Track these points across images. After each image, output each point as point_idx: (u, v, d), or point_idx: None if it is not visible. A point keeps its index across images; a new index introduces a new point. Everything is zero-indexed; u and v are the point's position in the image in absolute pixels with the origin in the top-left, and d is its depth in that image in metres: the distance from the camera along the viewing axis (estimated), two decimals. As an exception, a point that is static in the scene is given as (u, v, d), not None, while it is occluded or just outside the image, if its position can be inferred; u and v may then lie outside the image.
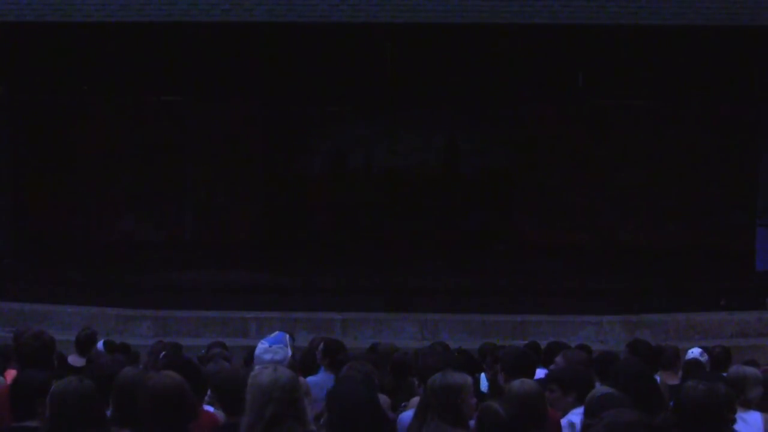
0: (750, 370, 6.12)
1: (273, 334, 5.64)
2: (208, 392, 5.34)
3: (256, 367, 4.35)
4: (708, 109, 17.50)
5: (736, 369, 6.27)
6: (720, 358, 8.35)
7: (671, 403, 5.07)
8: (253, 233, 18.40)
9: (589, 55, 14.85)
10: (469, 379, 4.43)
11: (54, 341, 6.01)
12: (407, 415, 5.00)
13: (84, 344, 8.74)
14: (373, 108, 18.41)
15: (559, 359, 6.64)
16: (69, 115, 18.38)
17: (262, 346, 5.50)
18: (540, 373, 7.44)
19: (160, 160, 18.26)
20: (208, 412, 5.18)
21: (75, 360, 8.41)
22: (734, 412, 4.62)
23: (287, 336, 5.64)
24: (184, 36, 14.41)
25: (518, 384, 4.64)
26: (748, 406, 5.73)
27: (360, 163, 19.11)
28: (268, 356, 5.30)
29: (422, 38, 14.58)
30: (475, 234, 18.37)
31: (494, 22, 13.64)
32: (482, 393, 6.79)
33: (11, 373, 6.06)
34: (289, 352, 5.40)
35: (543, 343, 9.87)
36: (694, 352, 8.53)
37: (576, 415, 4.85)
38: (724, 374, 6.63)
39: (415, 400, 6.00)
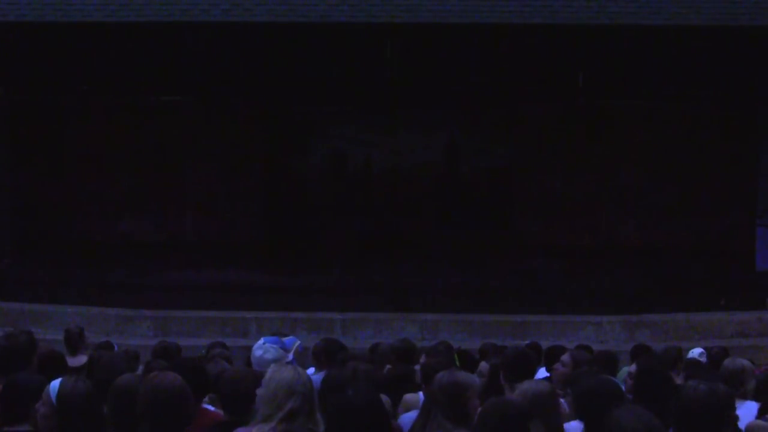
0: (746, 363, 6.45)
1: (287, 337, 5.66)
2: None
3: (272, 365, 4.38)
4: (708, 109, 17.50)
5: (732, 361, 6.45)
6: (718, 358, 8.37)
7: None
8: (253, 233, 18.40)
9: (589, 55, 14.84)
10: (476, 380, 4.43)
11: (34, 342, 5.91)
12: (408, 417, 5.01)
13: (72, 343, 8.70)
14: (373, 108, 18.41)
15: (565, 358, 6.66)
16: (69, 115, 18.36)
17: (258, 342, 5.53)
18: (540, 373, 7.44)
19: (160, 160, 18.26)
20: (208, 411, 5.18)
21: (71, 360, 8.38)
22: (734, 410, 4.65)
23: (298, 343, 5.65)
24: (184, 36, 14.41)
25: (533, 383, 4.63)
26: (745, 397, 6.04)
27: (360, 163, 19.11)
28: (258, 352, 5.34)
29: (422, 38, 14.57)
30: (476, 234, 18.36)
31: (494, 22, 13.65)
32: None
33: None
34: (290, 357, 5.40)
35: (542, 344, 9.90)
36: (695, 352, 8.56)
37: None
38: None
39: (408, 396, 6.01)
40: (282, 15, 13.61)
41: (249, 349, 7.74)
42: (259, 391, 4.07)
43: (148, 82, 16.58)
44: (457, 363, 7.15)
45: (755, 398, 6.12)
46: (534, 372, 6.28)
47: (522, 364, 5.76)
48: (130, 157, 18.26)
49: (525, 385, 4.56)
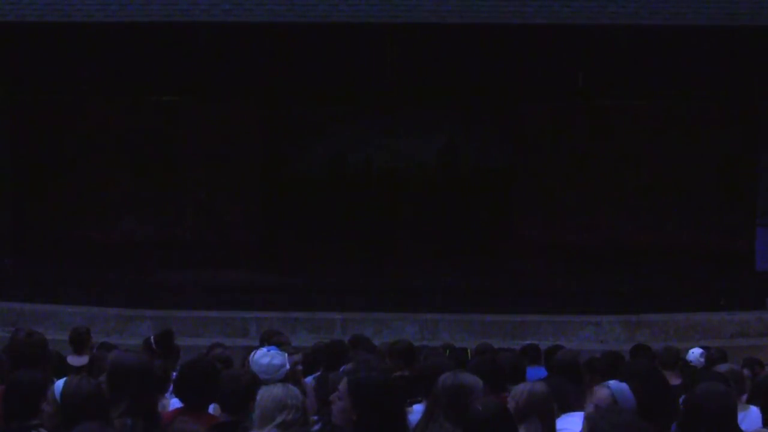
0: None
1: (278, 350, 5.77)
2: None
3: (262, 387, 4.47)
4: (708, 109, 17.49)
5: (734, 367, 6.44)
6: (714, 360, 8.37)
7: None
8: (253, 233, 18.39)
9: (589, 55, 14.84)
10: (480, 382, 4.42)
11: (46, 341, 5.98)
12: (413, 418, 4.99)
13: (79, 343, 8.72)
14: (373, 108, 18.39)
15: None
16: (69, 114, 18.36)
17: (260, 351, 5.56)
18: (534, 373, 7.44)
19: (160, 160, 18.25)
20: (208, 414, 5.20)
21: (74, 360, 8.40)
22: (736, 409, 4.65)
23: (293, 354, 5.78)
24: (184, 36, 14.40)
25: (529, 384, 4.63)
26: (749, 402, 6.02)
27: (360, 163, 19.10)
28: (266, 360, 5.37)
29: (422, 38, 14.57)
30: (475, 234, 18.35)
31: (494, 22, 13.65)
32: None
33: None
34: (288, 362, 5.48)
35: (542, 344, 9.90)
36: (695, 352, 8.56)
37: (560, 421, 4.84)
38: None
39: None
40: (282, 15, 13.61)
41: (249, 349, 7.75)
42: (255, 412, 4.21)
43: (148, 82, 16.58)
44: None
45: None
46: (523, 374, 6.28)
47: (498, 375, 5.75)
48: (130, 157, 18.25)
49: (521, 386, 4.56)
